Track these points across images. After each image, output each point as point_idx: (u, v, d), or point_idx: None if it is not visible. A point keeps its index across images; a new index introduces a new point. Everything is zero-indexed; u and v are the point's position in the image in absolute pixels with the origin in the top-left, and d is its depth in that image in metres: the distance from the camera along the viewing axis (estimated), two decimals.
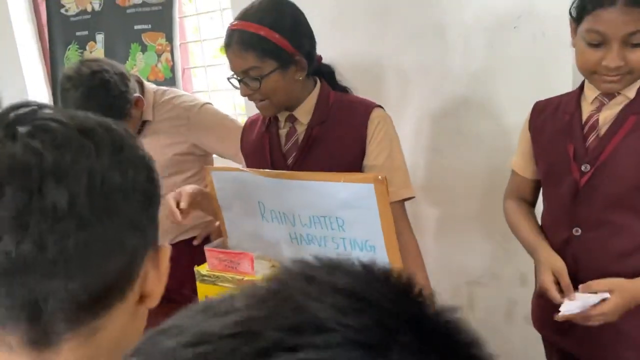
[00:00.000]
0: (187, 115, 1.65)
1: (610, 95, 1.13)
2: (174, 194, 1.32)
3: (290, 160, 1.32)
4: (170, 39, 2.52)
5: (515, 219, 1.34)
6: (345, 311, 0.26)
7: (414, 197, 1.32)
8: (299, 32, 1.27)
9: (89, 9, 2.78)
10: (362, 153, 1.28)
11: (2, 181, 0.42)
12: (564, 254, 1.20)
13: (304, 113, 1.31)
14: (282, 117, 1.35)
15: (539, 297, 1.32)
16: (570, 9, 1.13)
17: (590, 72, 1.11)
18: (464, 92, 1.79)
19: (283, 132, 1.35)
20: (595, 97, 1.15)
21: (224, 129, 1.68)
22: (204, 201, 1.34)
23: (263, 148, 1.36)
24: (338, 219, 1.15)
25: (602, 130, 1.13)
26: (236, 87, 1.29)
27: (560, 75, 1.58)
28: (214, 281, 1.27)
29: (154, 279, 0.53)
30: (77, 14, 2.84)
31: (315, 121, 1.30)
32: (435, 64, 1.82)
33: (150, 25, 2.57)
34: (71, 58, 2.92)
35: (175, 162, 1.64)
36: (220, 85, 2.67)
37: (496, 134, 1.76)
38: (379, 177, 1.07)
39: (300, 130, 1.32)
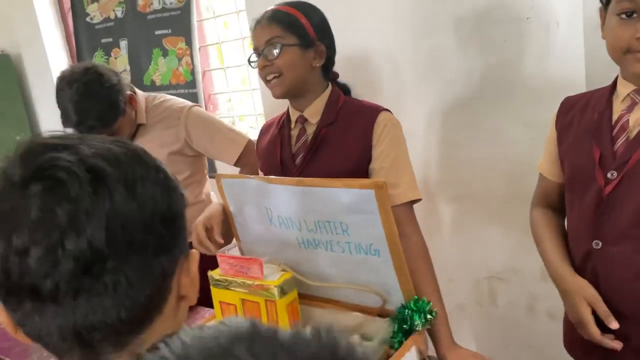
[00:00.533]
0: (178, 115, 1.73)
1: None
2: (204, 220, 1.37)
3: (298, 160, 1.36)
4: (189, 42, 2.57)
5: (540, 233, 1.25)
6: None
7: (420, 199, 1.32)
8: (324, 28, 1.36)
9: (112, 17, 2.86)
10: (367, 154, 1.30)
11: (27, 245, 0.45)
12: (584, 269, 1.12)
13: (314, 114, 1.36)
14: (293, 118, 1.39)
15: (569, 320, 1.22)
16: None
17: (623, 51, 0.99)
18: (479, 86, 1.76)
19: (294, 133, 1.40)
20: (628, 95, 1.04)
21: (213, 127, 1.76)
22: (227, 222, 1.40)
23: (275, 148, 1.41)
24: (342, 224, 1.16)
25: (633, 133, 1.02)
26: (253, 67, 1.36)
27: (575, 66, 1.54)
28: (227, 286, 1.30)
29: (187, 283, 0.57)
30: (101, 22, 2.92)
31: (324, 122, 1.34)
32: (450, 58, 1.80)
33: (170, 30, 2.62)
34: None
35: (172, 162, 1.71)
36: (239, 86, 2.71)
37: (512, 127, 1.73)
38: (380, 182, 1.07)
39: (310, 131, 1.37)
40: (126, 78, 2.89)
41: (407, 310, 1.14)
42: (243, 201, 1.34)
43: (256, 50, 1.33)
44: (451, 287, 2.05)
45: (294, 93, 1.35)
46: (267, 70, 1.31)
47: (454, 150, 1.88)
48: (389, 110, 1.35)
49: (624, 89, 1.05)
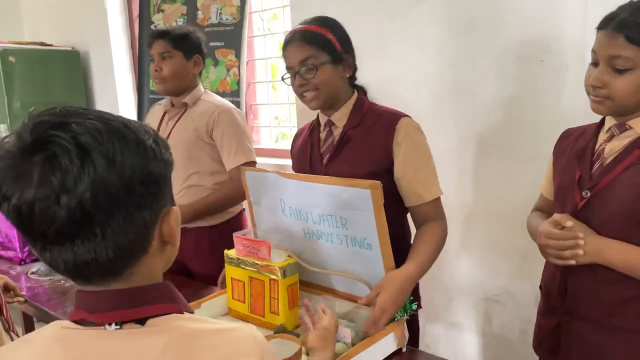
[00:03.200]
0: (214, 109, 1.95)
1: (621, 128, 1.16)
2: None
3: (325, 160, 1.50)
4: (238, 55, 2.81)
5: (531, 219, 1.41)
6: None
7: (442, 194, 1.44)
8: (348, 42, 1.48)
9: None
10: (388, 156, 1.40)
11: (33, 200, 0.59)
12: (555, 275, 1.26)
13: (340, 118, 1.49)
14: (322, 122, 1.54)
15: (539, 314, 1.39)
16: None
17: (587, 91, 1.17)
18: (492, 118, 1.91)
19: (322, 135, 1.54)
20: (610, 128, 1.18)
21: (234, 131, 1.93)
22: None
23: (305, 150, 1.57)
24: (342, 218, 1.33)
25: (607, 160, 1.16)
26: (288, 84, 1.47)
27: (577, 106, 1.67)
28: (238, 264, 1.48)
29: (167, 231, 0.71)
30: None
31: (349, 125, 1.47)
32: (468, 91, 1.95)
33: (223, 43, 2.88)
34: None
35: (197, 145, 1.93)
36: (279, 99, 2.93)
37: (519, 159, 1.86)
38: (375, 184, 1.23)
39: (336, 133, 1.50)
40: None
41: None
42: (261, 192, 1.52)
43: (290, 69, 1.44)
44: (451, 305, 2.17)
45: (329, 105, 1.48)
46: (304, 88, 1.43)
47: (463, 176, 2.02)
48: (408, 116, 1.46)
49: (609, 122, 1.21)
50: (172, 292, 0.72)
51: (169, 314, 0.68)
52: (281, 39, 2.86)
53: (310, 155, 1.54)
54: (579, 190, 1.19)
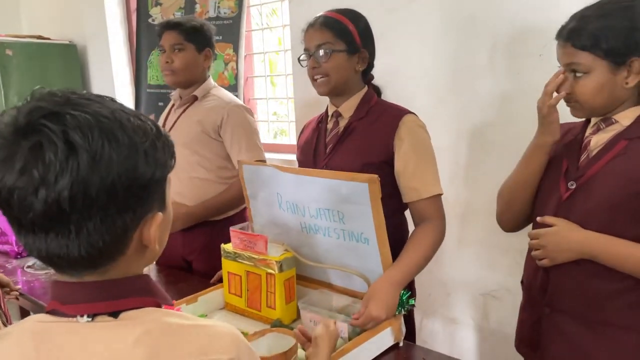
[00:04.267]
0: (224, 105, 1.92)
1: (607, 121, 1.18)
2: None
3: (328, 149, 1.51)
4: (236, 50, 2.80)
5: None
6: None
7: (442, 193, 1.43)
8: (368, 35, 1.50)
9: None
10: (387, 148, 1.41)
11: (13, 186, 0.59)
12: (538, 268, 1.24)
13: (348, 109, 1.50)
14: (330, 113, 1.55)
15: (520, 311, 1.37)
16: None
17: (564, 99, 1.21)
18: (490, 113, 1.90)
19: (329, 126, 1.55)
20: (596, 122, 1.21)
21: (244, 130, 1.90)
22: None
23: (312, 139, 1.58)
24: (339, 212, 1.32)
25: (593, 152, 1.18)
26: (304, 65, 1.50)
27: None
28: (235, 258, 1.47)
29: (148, 237, 0.68)
30: None
31: (355, 116, 1.48)
32: (466, 85, 1.94)
33: (221, 37, 2.85)
34: (154, 62, 3.28)
35: (200, 139, 1.90)
36: (278, 94, 2.92)
37: (517, 154, 1.84)
38: (373, 177, 1.22)
39: (342, 124, 1.51)
40: None
41: None
42: (258, 186, 1.51)
43: (307, 51, 1.47)
44: (448, 300, 2.17)
45: (336, 92, 1.50)
46: (316, 71, 1.45)
47: (462, 171, 2.01)
48: (413, 113, 1.47)
49: (595, 117, 1.23)
50: (149, 285, 0.70)
51: (145, 307, 0.67)
52: (279, 34, 2.85)
53: (315, 145, 1.55)
54: (564, 182, 1.21)
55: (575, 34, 1.13)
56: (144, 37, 3.33)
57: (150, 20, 3.25)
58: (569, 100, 1.19)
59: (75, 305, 0.65)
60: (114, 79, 3.51)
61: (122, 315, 0.65)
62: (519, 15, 1.78)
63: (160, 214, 0.69)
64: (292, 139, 2.81)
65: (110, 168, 0.60)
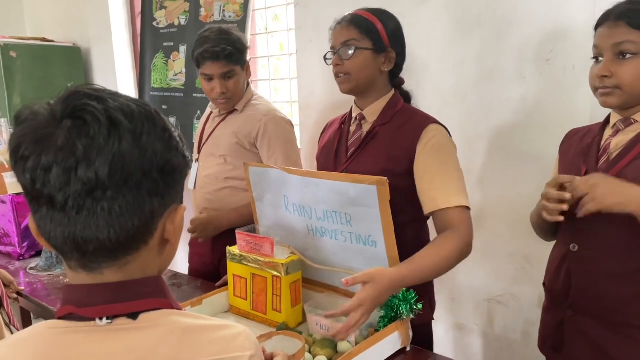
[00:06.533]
0: (260, 118, 1.87)
1: (627, 122, 1.17)
2: None
3: (349, 153, 1.48)
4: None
5: (532, 212, 1.38)
6: None
7: (467, 206, 1.34)
8: (398, 36, 1.47)
9: (176, 23, 3.13)
10: (409, 157, 1.37)
11: (51, 163, 0.59)
12: (560, 270, 1.26)
13: (373, 113, 1.47)
14: (354, 115, 1.52)
15: (543, 312, 1.38)
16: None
17: (594, 87, 1.19)
18: (497, 118, 1.90)
19: (352, 128, 1.52)
20: (615, 123, 1.20)
21: (280, 142, 1.85)
22: None
23: (334, 141, 1.55)
24: (347, 215, 1.31)
25: (613, 154, 1.17)
26: (329, 64, 1.47)
27: (584, 106, 1.66)
28: (240, 260, 1.46)
29: (171, 230, 0.69)
30: (165, 27, 3.20)
31: (380, 121, 1.45)
32: (473, 90, 1.94)
33: None
34: (157, 65, 3.28)
35: (235, 150, 1.88)
36: (281, 97, 2.91)
37: (524, 160, 1.85)
38: (382, 180, 1.21)
39: (365, 128, 1.48)
40: (180, 79, 3.16)
41: (395, 300, 1.27)
42: (265, 188, 1.51)
43: (333, 48, 1.45)
44: (453, 306, 2.15)
45: (359, 92, 1.47)
46: (339, 68, 1.43)
47: (467, 176, 1.98)
48: (439, 122, 1.43)
49: (614, 118, 1.22)
50: (164, 287, 0.70)
51: (161, 308, 0.67)
52: (282, 39, 2.84)
53: (337, 147, 1.52)
54: None
55: (631, 13, 1.11)
56: (148, 40, 3.33)
57: (155, 23, 3.25)
58: (607, 85, 1.15)
59: (94, 307, 0.64)
60: (118, 82, 3.50)
61: (141, 317, 0.65)
62: (526, 20, 1.78)
63: (183, 205, 0.70)
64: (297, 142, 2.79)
65: (149, 146, 0.63)
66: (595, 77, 1.17)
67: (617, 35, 1.13)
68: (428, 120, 1.42)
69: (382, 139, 1.43)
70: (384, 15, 1.46)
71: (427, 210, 1.36)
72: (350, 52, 1.40)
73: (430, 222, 1.50)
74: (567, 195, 1.12)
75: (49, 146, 0.59)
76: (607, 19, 1.15)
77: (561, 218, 1.14)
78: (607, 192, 1.07)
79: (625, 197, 1.06)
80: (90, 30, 3.58)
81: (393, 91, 1.50)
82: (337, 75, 1.46)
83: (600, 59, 1.17)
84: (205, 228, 1.82)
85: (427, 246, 1.31)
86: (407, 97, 1.55)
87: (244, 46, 1.89)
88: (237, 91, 1.88)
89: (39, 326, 0.66)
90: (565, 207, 1.13)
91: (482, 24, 1.88)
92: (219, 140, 1.92)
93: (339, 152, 1.51)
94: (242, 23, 2.78)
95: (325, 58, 1.50)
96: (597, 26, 1.19)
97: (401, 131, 1.41)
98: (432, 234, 1.55)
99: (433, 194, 1.34)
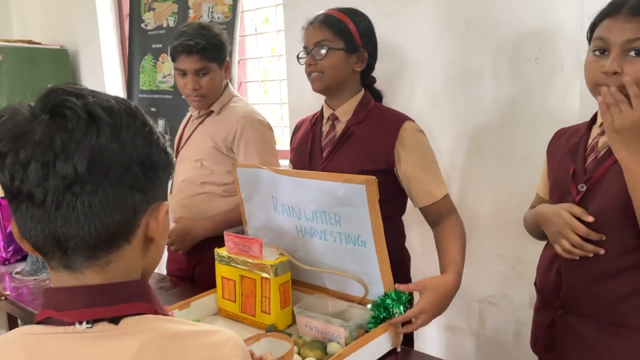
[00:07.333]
0: (238, 120, 1.81)
1: None
2: None
3: (325, 153, 1.49)
4: (230, 55, 2.77)
5: (529, 212, 1.39)
6: None
7: (447, 193, 1.45)
8: (369, 36, 1.50)
9: (165, 25, 3.11)
10: (387, 156, 1.40)
11: (29, 159, 0.58)
12: (550, 270, 1.26)
13: (345, 113, 1.49)
14: (325, 115, 1.53)
15: (535, 312, 1.37)
16: (587, 34, 1.18)
17: (593, 83, 1.12)
18: (487, 118, 1.89)
19: (325, 129, 1.53)
20: (602, 123, 1.16)
21: (258, 145, 1.80)
22: None
23: (306, 142, 1.56)
24: (335, 215, 1.30)
25: (601, 153, 1.16)
26: (302, 64, 1.49)
27: (573, 105, 1.66)
28: (228, 262, 1.44)
29: (154, 227, 0.67)
30: (154, 29, 3.17)
31: (353, 120, 1.47)
32: (462, 90, 1.94)
33: None
34: (146, 67, 3.25)
35: (212, 155, 1.82)
36: (271, 99, 2.90)
37: (514, 159, 1.85)
38: (370, 179, 1.20)
39: (339, 128, 1.50)
40: (169, 81, 3.13)
41: (387, 299, 1.26)
42: (253, 189, 1.49)
43: (305, 48, 1.47)
44: None
45: (331, 91, 1.48)
46: (312, 68, 1.45)
47: (458, 175, 2.00)
48: (412, 120, 1.46)
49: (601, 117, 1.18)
50: (148, 292, 0.68)
51: (145, 313, 0.64)
52: (272, 41, 2.83)
53: (310, 148, 1.53)
54: (574, 185, 1.19)
55: None
56: (136, 42, 3.30)
57: (143, 25, 3.23)
58: (613, 84, 1.06)
59: (74, 311, 0.62)
60: (106, 84, 3.47)
61: (123, 322, 0.62)
62: (515, 20, 1.78)
63: (166, 202, 0.69)
64: (285, 144, 2.78)
65: (128, 140, 0.62)
66: (599, 72, 1.09)
67: (630, 31, 1.05)
68: (402, 118, 1.45)
69: (357, 138, 1.45)
70: (355, 16, 1.48)
71: (422, 204, 1.43)
72: (323, 52, 1.42)
73: (405, 217, 1.57)
74: (601, 251, 1.13)
75: (26, 141, 0.58)
76: (618, 12, 1.07)
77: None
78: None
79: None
80: (78, 33, 3.55)
81: (363, 91, 1.52)
82: (309, 74, 1.47)
83: (606, 52, 1.09)
84: (183, 239, 1.77)
85: (443, 238, 1.40)
86: (378, 96, 1.57)
87: (222, 43, 1.82)
88: (212, 89, 1.82)
89: (15, 332, 0.64)
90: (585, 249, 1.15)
91: (471, 24, 1.88)
92: (196, 144, 1.87)
93: (313, 153, 1.52)
94: (230, 24, 2.76)
95: (298, 57, 1.50)
96: (603, 16, 1.10)
97: (376, 130, 1.44)
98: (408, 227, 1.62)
99: (427, 187, 1.41)
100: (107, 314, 0.62)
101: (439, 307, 1.26)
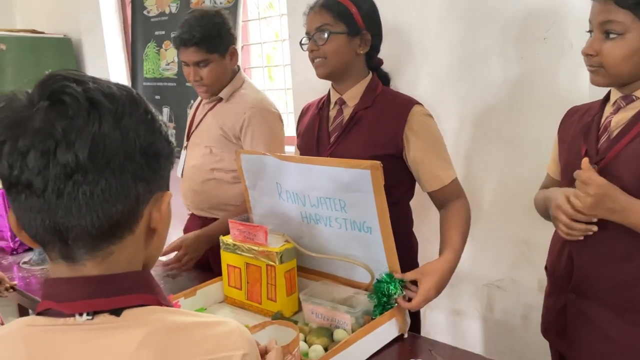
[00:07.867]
0: (246, 110, 1.80)
1: (628, 99, 1.14)
2: None
3: (332, 138, 1.47)
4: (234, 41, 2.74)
5: (539, 193, 1.37)
6: None
7: (455, 177, 1.44)
8: (372, 17, 1.47)
9: (167, 11, 3.08)
10: (396, 141, 1.38)
11: (29, 147, 0.56)
12: (562, 254, 1.23)
13: (352, 97, 1.47)
14: (333, 99, 1.52)
15: (545, 297, 1.36)
16: None
17: (585, 63, 1.15)
18: (493, 100, 1.86)
19: (332, 113, 1.52)
20: (615, 101, 1.17)
21: (265, 134, 1.79)
22: None
23: (313, 127, 1.54)
24: (340, 201, 1.28)
25: (614, 133, 1.14)
26: (304, 49, 1.47)
27: (582, 85, 1.62)
28: (234, 250, 1.44)
29: (157, 217, 0.66)
30: (156, 15, 3.15)
31: (361, 105, 1.45)
32: (469, 71, 1.90)
33: None
34: (149, 55, 3.23)
35: (220, 142, 1.82)
36: (276, 85, 2.87)
37: (522, 142, 1.82)
38: (375, 164, 1.18)
39: (346, 113, 1.48)
40: (173, 69, 3.11)
41: (382, 284, 1.24)
42: (257, 176, 1.47)
43: (307, 34, 1.45)
44: (451, 292, 2.13)
45: (336, 76, 1.46)
46: (315, 53, 1.43)
47: (464, 159, 1.97)
48: (421, 104, 1.44)
49: (614, 95, 1.18)
50: (151, 282, 0.66)
51: (147, 305, 0.63)
52: (276, 25, 2.79)
53: (317, 133, 1.51)
54: None
55: None
56: (139, 30, 3.28)
57: (145, 12, 3.20)
58: (592, 64, 1.13)
59: (74, 302, 0.60)
60: (110, 73, 3.46)
61: (124, 314, 0.61)
62: None
63: (169, 192, 0.67)
64: (291, 130, 2.76)
65: (131, 128, 0.60)
66: (582, 52, 1.14)
67: (605, 12, 1.08)
68: (411, 102, 1.43)
69: (366, 123, 1.43)
70: None
71: (431, 188, 1.42)
72: (325, 36, 1.40)
73: (413, 202, 1.55)
74: (594, 228, 1.12)
75: (25, 129, 0.56)
76: None
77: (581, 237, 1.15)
78: (599, 203, 1.07)
79: (614, 213, 1.07)
80: (81, 21, 3.53)
81: (371, 74, 1.49)
82: (313, 60, 1.45)
83: (592, 34, 1.13)
84: (197, 247, 1.73)
85: (449, 223, 1.39)
86: (385, 78, 1.54)
87: (222, 32, 1.78)
88: (214, 79, 1.80)
89: (16, 323, 0.63)
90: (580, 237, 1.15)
91: (477, 4, 1.83)
92: (205, 130, 1.87)
93: (320, 138, 1.50)
94: (233, 9, 2.73)
95: (301, 44, 1.48)
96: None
97: (385, 114, 1.42)
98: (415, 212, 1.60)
99: (436, 172, 1.40)
100: (107, 305, 0.61)
101: (438, 289, 1.27)
